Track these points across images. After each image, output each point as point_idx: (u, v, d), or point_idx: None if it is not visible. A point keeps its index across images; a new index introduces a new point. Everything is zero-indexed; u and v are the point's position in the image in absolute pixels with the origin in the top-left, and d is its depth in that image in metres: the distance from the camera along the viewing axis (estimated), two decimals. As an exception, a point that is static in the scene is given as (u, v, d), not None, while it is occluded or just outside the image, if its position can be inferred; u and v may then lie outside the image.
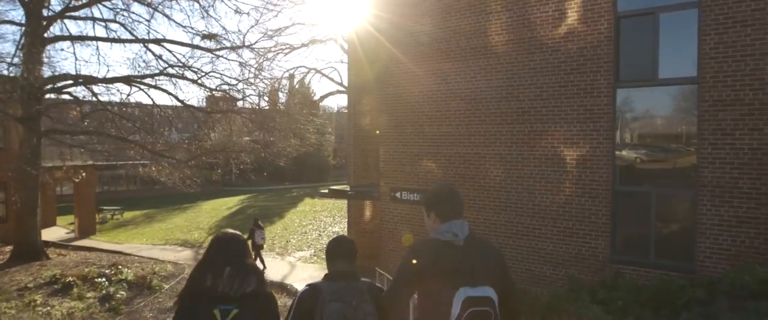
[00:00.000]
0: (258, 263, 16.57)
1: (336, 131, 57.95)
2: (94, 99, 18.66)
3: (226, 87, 17.61)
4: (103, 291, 12.67)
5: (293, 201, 32.64)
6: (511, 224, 9.85)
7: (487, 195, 10.15)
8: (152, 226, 26.40)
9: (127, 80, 18.66)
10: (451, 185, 2.70)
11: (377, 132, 14.20)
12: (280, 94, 26.80)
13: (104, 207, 29.46)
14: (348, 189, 12.99)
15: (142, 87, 19.24)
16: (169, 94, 19.53)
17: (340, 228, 22.50)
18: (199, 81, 17.18)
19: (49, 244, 20.68)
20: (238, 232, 2.62)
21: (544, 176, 9.46)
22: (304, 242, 20.28)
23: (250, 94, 18.52)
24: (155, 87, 19.31)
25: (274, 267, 15.97)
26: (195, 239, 22.02)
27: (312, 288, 2.59)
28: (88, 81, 16.94)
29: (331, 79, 29.15)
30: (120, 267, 14.79)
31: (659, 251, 8.51)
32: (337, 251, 2.74)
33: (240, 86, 17.88)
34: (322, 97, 37.94)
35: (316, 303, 2.49)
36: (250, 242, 16.06)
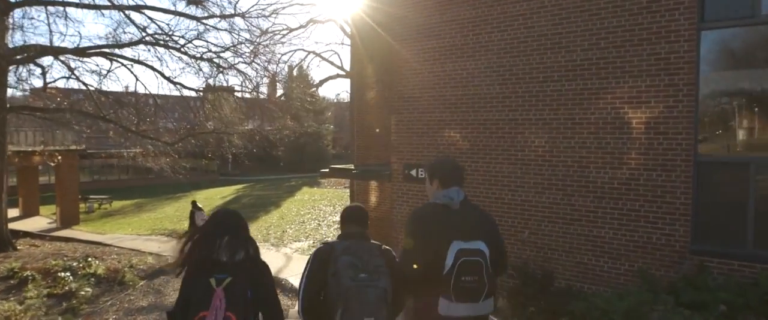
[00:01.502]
0: None
1: (335, 120, 55.81)
2: (71, 76, 16.52)
3: (211, 55, 15.39)
4: (66, 288, 10.57)
5: (291, 190, 30.53)
6: (557, 206, 7.76)
7: (526, 170, 8.06)
8: (141, 216, 24.34)
9: (105, 53, 16.52)
10: (453, 158, 3.08)
11: (377, 130, 12.15)
12: (278, 74, 24.63)
13: (91, 196, 27.39)
14: (352, 168, 10.88)
15: (123, 62, 17.10)
16: (154, 70, 17.40)
17: (341, 217, 20.44)
18: (183, 49, 14.97)
19: (21, 234, 18.61)
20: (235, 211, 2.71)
21: (602, 145, 7.36)
22: (301, 232, 18.19)
23: (238, 62, 16.14)
24: (138, 62, 17.18)
25: (268, 260, 13.67)
26: (183, 228, 19.90)
27: (327, 244, 2.80)
28: (60, 52, 14.75)
29: (331, 63, 26.94)
30: (92, 259, 12.69)
31: (760, 239, 6.44)
32: (349, 216, 2.93)
33: (227, 55, 15.65)
34: (322, 82, 35.68)
35: (329, 256, 2.67)
36: (191, 224, 15.55)
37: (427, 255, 2.60)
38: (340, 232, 2.94)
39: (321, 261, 2.65)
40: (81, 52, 14.52)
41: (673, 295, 6.09)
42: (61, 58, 16.00)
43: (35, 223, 22.79)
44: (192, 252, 2.49)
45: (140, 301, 10.41)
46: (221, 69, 15.27)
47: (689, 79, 6.72)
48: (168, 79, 17.84)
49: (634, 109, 7.10)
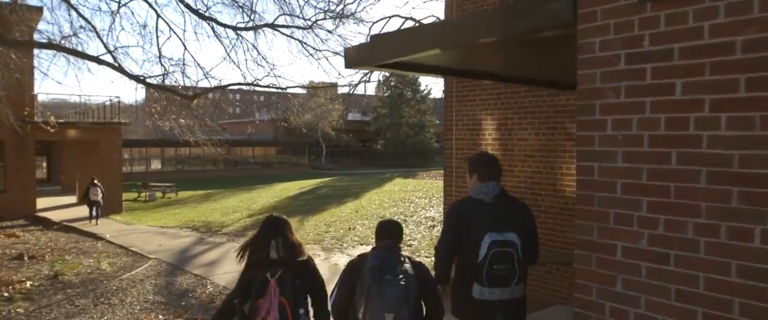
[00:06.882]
0: (93, 220, 14.74)
1: (441, 116, 49.01)
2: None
3: None
4: None
5: (380, 182, 24.02)
6: None
7: None
8: (198, 207, 19.25)
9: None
10: (491, 153, 3.19)
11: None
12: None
13: (154, 184, 23.21)
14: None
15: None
16: (190, 9, 12.09)
17: (438, 212, 13.41)
18: None
19: (38, 222, 14.14)
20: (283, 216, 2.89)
21: None
22: (374, 232, 11.51)
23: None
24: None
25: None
26: (224, 222, 14.24)
27: (360, 255, 2.80)
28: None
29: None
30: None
31: None
32: (383, 231, 2.86)
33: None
34: (420, 51, 28.67)
35: (361, 262, 2.68)
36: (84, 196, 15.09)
37: (463, 246, 2.74)
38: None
39: (352, 268, 2.72)
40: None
41: None
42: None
43: (81, 211, 18.56)
44: (251, 253, 2.76)
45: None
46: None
47: None
48: (196, 12, 12.35)
49: None
